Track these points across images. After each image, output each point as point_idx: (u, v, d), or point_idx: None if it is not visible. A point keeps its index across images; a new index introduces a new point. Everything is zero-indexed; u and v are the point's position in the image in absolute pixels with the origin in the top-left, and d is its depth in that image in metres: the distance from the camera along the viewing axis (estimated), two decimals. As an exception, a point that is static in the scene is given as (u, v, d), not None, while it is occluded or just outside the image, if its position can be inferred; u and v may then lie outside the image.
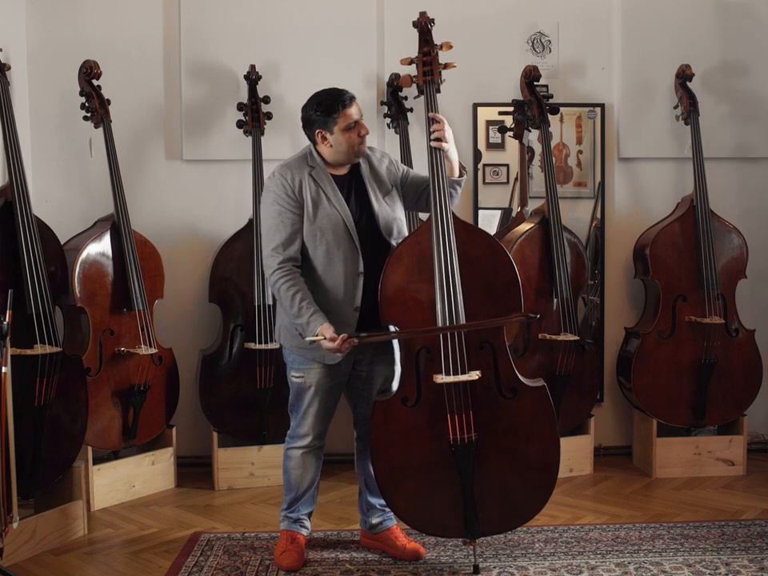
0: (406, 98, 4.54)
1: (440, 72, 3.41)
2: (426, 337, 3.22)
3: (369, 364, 3.39)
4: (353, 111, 3.24)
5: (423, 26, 3.42)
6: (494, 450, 3.28)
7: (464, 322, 3.21)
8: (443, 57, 3.42)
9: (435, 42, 3.40)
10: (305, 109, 3.30)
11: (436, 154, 3.29)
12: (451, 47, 3.40)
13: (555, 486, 3.35)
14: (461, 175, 3.39)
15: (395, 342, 3.33)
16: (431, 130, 3.29)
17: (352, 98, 3.26)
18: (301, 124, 3.34)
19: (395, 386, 3.33)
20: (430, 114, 3.31)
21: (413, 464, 3.28)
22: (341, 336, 3.09)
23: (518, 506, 3.34)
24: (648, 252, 4.44)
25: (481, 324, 3.24)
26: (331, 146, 3.27)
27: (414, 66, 3.43)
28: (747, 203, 4.78)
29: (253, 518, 3.99)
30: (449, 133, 3.29)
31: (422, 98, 3.47)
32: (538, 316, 3.28)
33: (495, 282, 3.32)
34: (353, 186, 3.33)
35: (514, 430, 3.30)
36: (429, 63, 3.40)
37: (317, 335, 3.12)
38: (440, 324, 3.20)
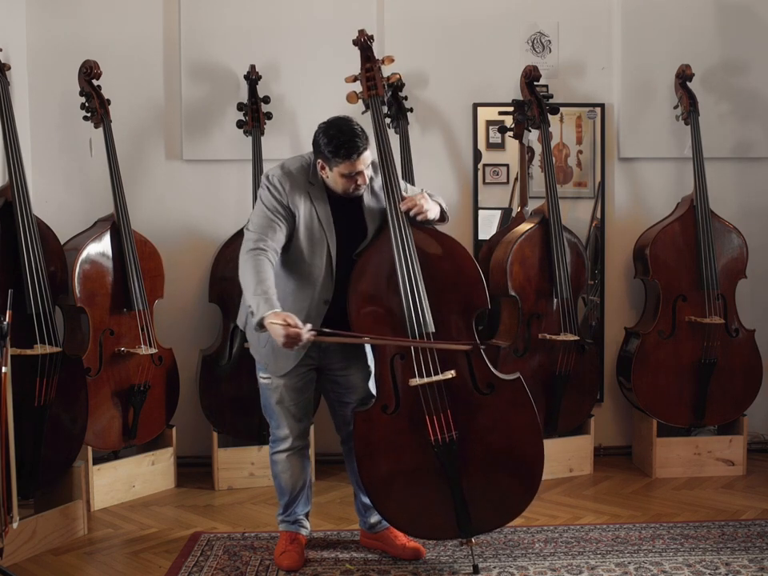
0: (406, 97, 4.55)
1: (384, 85, 3.58)
2: (397, 343, 3.22)
3: (342, 369, 3.37)
4: (358, 163, 3.12)
5: (363, 42, 3.63)
6: (477, 446, 3.29)
7: (431, 325, 3.22)
8: (386, 70, 3.60)
9: (377, 57, 3.58)
10: (317, 132, 3.18)
11: (389, 170, 3.31)
12: (393, 61, 3.61)
13: (542, 476, 3.36)
14: (442, 219, 3.39)
15: (367, 345, 3.34)
16: (411, 214, 3.25)
17: (363, 150, 3.11)
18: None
19: (372, 387, 3.35)
20: (401, 205, 3.26)
21: (399, 470, 3.28)
22: (306, 325, 2.98)
23: (508, 499, 3.34)
24: (648, 252, 4.44)
25: (440, 344, 3.23)
26: (327, 177, 3.21)
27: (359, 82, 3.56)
28: (747, 203, 4.78)
29: (253, 517, 3.99)
30: (425, 202, 3.26)
31: (371, 111, 3.55)
32: (483, 348, 3.32)
33: (459, 282, 3.34)
34: (351, 208, 3.27)
35: (494, 424, 3.31)
36: (372, 78, 3.57)
37: (278, 321, 2.95)
38: (408, 327, 3.20)
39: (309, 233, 3.20)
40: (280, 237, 3.18)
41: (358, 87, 3.61)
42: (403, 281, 3.22)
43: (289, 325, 2.94)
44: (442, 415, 3.23)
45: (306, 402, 3.42)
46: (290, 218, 3.19)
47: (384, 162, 3.36)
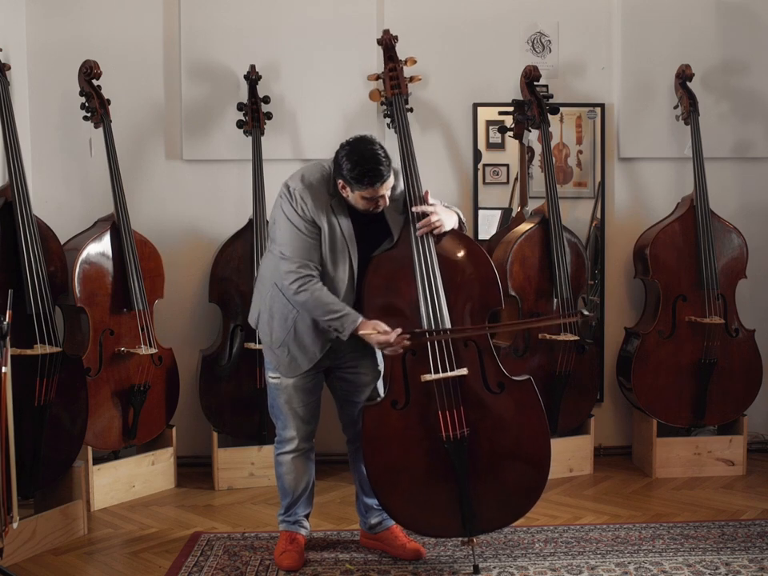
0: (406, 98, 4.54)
1: (406, 85, 3.66)
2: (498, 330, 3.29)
3: (352, 366, 3.38)
4: (380, 189, 3.11)
5: (387, 42, 3.72)
6: (485, 445, 3.30)
7: (448, 322, 3.26)
8: (408, 71, 3.68)
9: (399, 58, 3.67)
10: (340, 154, 3.12)
11: (411, 169, 3.35)
12: (415, 62, 3.72)
13: (548, 477, 3.38)
14: (459, 229, 3.40)
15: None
16: (419, 225, 3.26)
17: (386, 178, 3.11)
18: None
19: (380, 387, 3.37)
20: (413, 209, 3.29)
21: (406, 466, 3.29)
22: (395, 330, 3.09)
23: (514, 498, 3.35)
24: (648, 252, 4.44)
25: (548, 321, 3.30)
26: (348, 196, 3.18)
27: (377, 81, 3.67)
28: (747, 203, 4.78)
29: (253, 518, 3.99)
30: (440, 214, 3.27)
31: (394, 108, 3.63)
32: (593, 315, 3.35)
33: (475, 281, 3.37)
34: (372, 218, 3.26)
35: (503, 423, 3.33)
36: (395, 78, 3.64)
37: (369, 330, 3.09)
38: (425, 322, 3.23)
39: (331, 245, 3.21)
40: (318, 255, 3.20)
41: (366, 86, 3.64)
42: (421, 276, 3.24)
43: (378, 333, 3.08)
44: (455, 411, 3.25)
45: (313, 404, 3.43)
46: (318, 232, 3.20)
47: (405, 161, 3.38)
